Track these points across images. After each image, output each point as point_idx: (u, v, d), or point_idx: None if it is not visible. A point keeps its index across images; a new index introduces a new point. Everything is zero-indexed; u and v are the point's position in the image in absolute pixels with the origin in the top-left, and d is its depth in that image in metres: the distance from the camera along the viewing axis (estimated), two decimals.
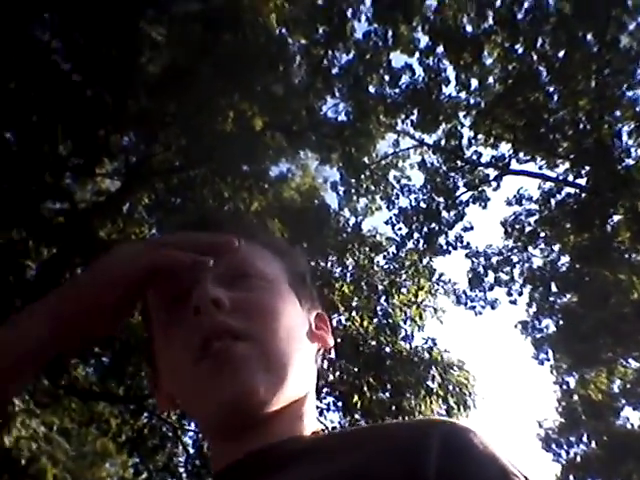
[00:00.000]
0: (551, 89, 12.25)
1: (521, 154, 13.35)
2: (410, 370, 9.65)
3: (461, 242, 13.21)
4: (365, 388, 9.33)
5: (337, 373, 9.63)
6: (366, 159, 10.76)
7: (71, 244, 6.92)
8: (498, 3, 10.85)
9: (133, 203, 7.51)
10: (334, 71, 9.49)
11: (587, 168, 12.97)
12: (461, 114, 12.11)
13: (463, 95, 11.92)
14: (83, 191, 7.75)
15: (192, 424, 8.49)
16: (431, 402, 9.43)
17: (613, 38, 10.86)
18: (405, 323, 10.44)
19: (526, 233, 14.36)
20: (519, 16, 11.14)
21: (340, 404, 9.67)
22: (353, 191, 11.78)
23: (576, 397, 17.37)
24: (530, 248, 14.61)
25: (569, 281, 14.34)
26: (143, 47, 6.91)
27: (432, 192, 12.64)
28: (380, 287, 10.44)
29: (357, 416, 9.62)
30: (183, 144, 7.62)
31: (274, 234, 7.37)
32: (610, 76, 11.56)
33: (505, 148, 13.15)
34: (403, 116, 11.36)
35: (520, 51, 11.64)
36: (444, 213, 12.66)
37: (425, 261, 11.44)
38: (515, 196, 14.26)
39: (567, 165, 13.32)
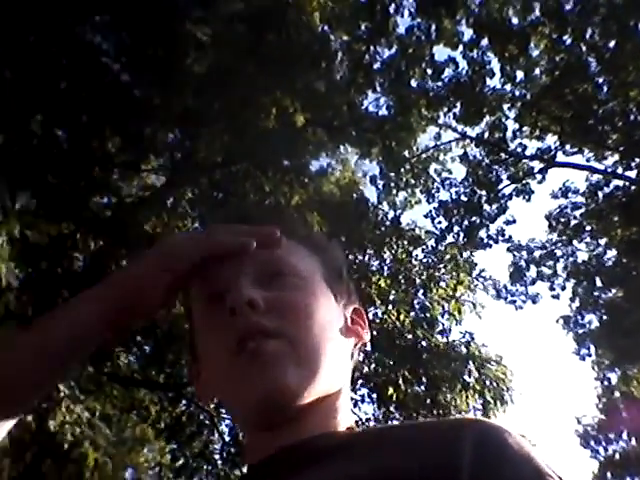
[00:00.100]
0: (600, 80, 12.24)
1: (568, 146, 13.37)
2: (447, 364, 9.72)
3: (503, 236, 13.36)
4: (400, 381, 9.43)
5: (372, 365, 9.82)
6: (406, 153, 10.97)
7: (117, 237, 7.38)
8: None
9: (177, 197, 7.92)
10: (376, 66, 9.78)
11: (637, 160, 13.01)
12: (506, 106, 12.18)
13: (508, 87, 12.00)
14: (130, 186, 8.20)
15: None
16: (467, 397, 9.53)
17: None
18: (443, 317, 10.59)
19: (571, 227, 14.40)
20: (567, 7, 11.24)
21: (375, 396, 9.81)
22: (392, 185, 11.98)
23: (617, 394, 17.39)
24: (575, 242, 14.66)
25: (615, 275, 14.29)
26: (189, 47, 7.31)
27: (474, 185, 12.77)
28: (418, 281, 10.63)
29: (392, 409, 9.80)
30: (226, 140, 8.00)
31: (313, 228, 7.79)
32: None
33: (551, 140, 13.22)
34: (445, 109, 11.51)
35: (568, 42, 11.66)
36: (486, 206, 12.77)
37: (465, 255, 11.62)
38: (561, 189, 14.36)
39: (616, 157, 13.32)
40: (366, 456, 0.81)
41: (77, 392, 7.19)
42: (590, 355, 16.15)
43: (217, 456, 9.62)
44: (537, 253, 14.56)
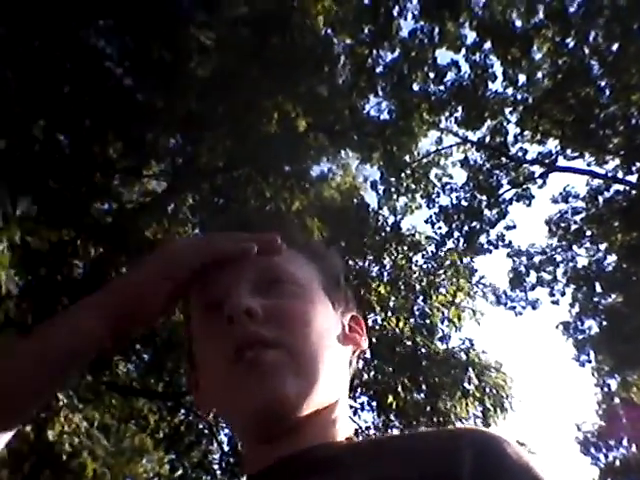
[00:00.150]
0: (602, 83, 12.33)
1: (569, 150, 13.46)
2: (446, 371, 9.76)
3: (503, 241, 13.46)
4: (400, 388, 9.44)
5: (372, 373, 9.85)
6: (407, 157, 11.06)
7: (118, 243, 7.41)
8: None
9: (178, 203, 7.95)
10: (378, 70, 9.85)
11: (638, 165, 13.10)
12: (507, 110, 12.28)
13: (510, 91, 12.11)
14: (131, 192, 8.23)
15: None
16: (467, 404, 9.49)
17: None
18: (443, 323, 10.64)
19: (571, 231, 14.51)
20: (571, 10, 11.32)
21: (374, 404, 9.79)
22: (393, 190, 12.07)
23: (617, 400, 17.50)
24: (575, 247, 14.78)
25: (615, 281, 14.38)
26: (192, 51, 7.36)
27: (474, 190, 12.86)
28: (418, 287, 10.66)
29: (391, 416, 9.84)
30: (228, 145, 8.05)
31: (313, 234, 7.85)
32: None
33: (552, 144, 13.33)
34: (447, 113, 11.62)
35: (571, 45, 11.74)
36: (486, 211, 12.88)
37: (465, 261, 11.68)
38: (561, 194, 14.49)
39: (617, 162, 13.43)
40: (365, 466, 0.82)
41: (76, 401, 7.21)
42: (590, 361, 16.33)
43: (216, 466, 9.64)
44: (537, 258, 14.70)
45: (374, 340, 9.46)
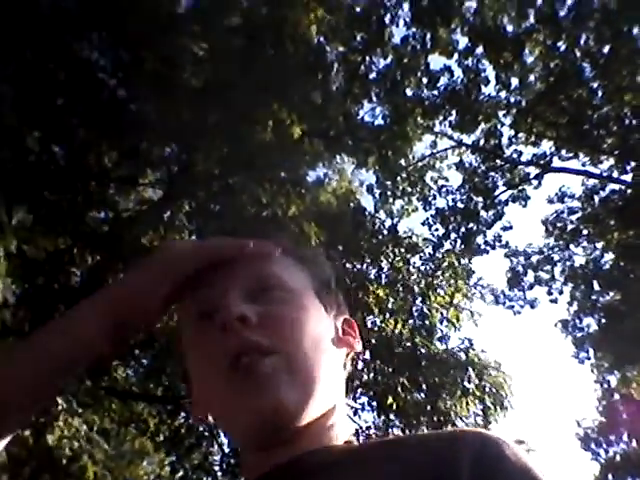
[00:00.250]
0: (595, 85, 12.29)
1: (563, 151, 13.45)
2: (446, 371, 9.75)
3: (500, 241, 13.45)
4: (400, 389, 9.42)
5: (372, 374, 9.81)
6: (403, 161, 11.02)
7: (114, 251, 7.37)
8: (539, 1, 10.97)
9: (174, 211, 7.90)
10: (371, 76, 9.81)
11: (633, 164, 13.03)
12: (501, 113, 12.26)
13: (503, 94, 12.07)
14: (126, 200, 8.21)
15: None
16: (467, 403, 9.49)
17: None
18: (442, 324, 10.59)
19: (568, 231, 14.47)
20: (561, 14, 11.26)
21: (374, 404, 9.86)
22: (389, 193, 12.05)
23: (617, 396, 17.44)
24: (572, 246, 14.73)
25: (612, 279, 14.35)
26: (186, 62, 7.32)
27: (470, 192, 12.84)
28: (416, 288, 10.61)
29: (391, 416, 9.80)
30: (223, 153, 8.00)
31: (310, 239, 7.79)
32: None
33: (547, 146, 13.31)
34: (441, 117, 11.58)
35: (563, 48, 11.71)
36: (482, 213, 12.87)
37: (463, 262, 11.62)
38: (557, 194, 14.44)
39: (612, 161, 13.39)
40: (364, 471, 0.81)
41: (75, 405, 7.16)
42: (589, 358, 16.26)
43: (217, 467, 9.61)
44: (534, 258, 14.64)
45: (373, 342, 9.43)
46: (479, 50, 10.85)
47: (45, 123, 6.75)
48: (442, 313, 10.59)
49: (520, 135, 12.86)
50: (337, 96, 9.08)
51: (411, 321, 10.35)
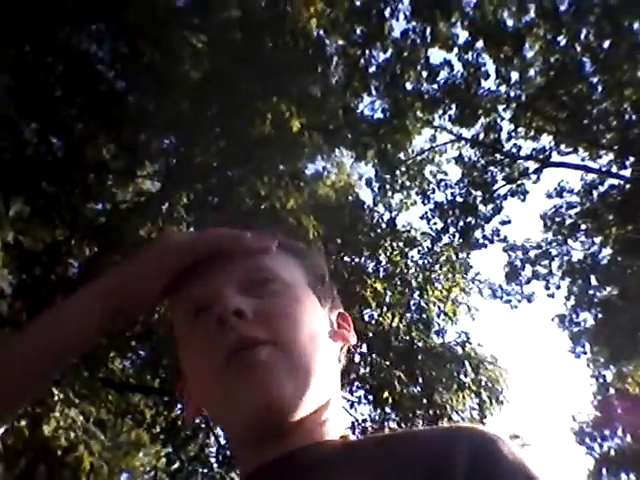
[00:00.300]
0: (595, 80, 12.28)
1: (562, 146, 13.44)
2: (442, 365, 9.76)
3: (498, 236, 13.47)
4: (396, 382, 9.42)
5: (368, 367, 9.81)
6: (402, 155, 11.00)
7: (112, 243, 7.36)
8: None
9: (172, 203, 7.89)
10: (371, 70, 9.77)
11: (632, 159, 13.01)
12: (500, 107, 12.25)
13: (503, 89, 12.05)
14: (124, 192, 8.20)
15: None
16: (463, 397, 9.48)
17: None
18: (439, 317, 10.59)
19: (566, 226, 14.48)
20: (562, 8, 11.23)
21: (370, 397, 9.84)
22: (388, 187, 12.05)
23: (612, 391, 17.47)
24: (570, 241, 14.75)
25: (610, 274, 14.38)
26: (184, 54, 7.29)
27: (469, 186, 12.83)
28: (414, 282, 10.59)
29: (388, 409, 9.80)
30: (222, 146, 7.98)
31: (308, 232, 7.78)
32: None
33: (546, 140, 13.30)
34: (441, 111, 11.56)
35: (563, 43, 11.70)
36: (481, 207, 12.88)
37: (461, 256, 11.60)
38: (556, 188, 14.44)
39: (611, 156, 13.38)
40: (359, 467, 0.80)
41: (72, 396, 7.15)
42: (585, 353, 16.36)
43: (213, 459, 9.55)
44: (532, 253, 14.67)
45: (370, 335, 9.42)
46: (479, 44, 10.83)
47: (43, 114, 6.74)
48: (439, 307, 10.58)
49: (520, 129, 12.85)
50: (337, 89, 9.04)
51: (408, 315, 10.34)
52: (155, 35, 6.92)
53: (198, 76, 7.52)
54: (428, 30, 9.89)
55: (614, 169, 13.46)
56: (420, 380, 9.76)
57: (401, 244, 10.65)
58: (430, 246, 11.48)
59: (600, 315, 15.21)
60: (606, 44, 11.50)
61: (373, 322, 9.87)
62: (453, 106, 11.56)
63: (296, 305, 0.91)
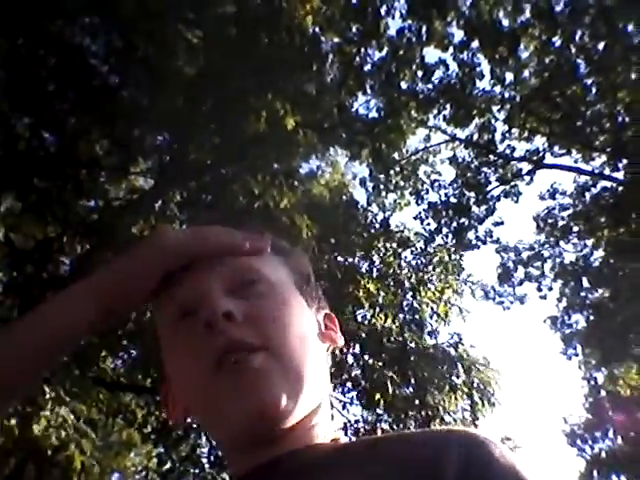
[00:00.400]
0: (589, 82, 12.31)
1: (556, 148, 13.49)
2: (435, 366, 9.75)
3: (491, 237, 13.47)
4: (389, 383, 9.41)
5: (361, 368, 9.78)
6: (396, 155, 10.98)
7: (104, 240, 7.29)
8: None
9: (165, 200, 7.83)
10: (366, 68, 9.73)
11: (624, 161, 13.04)
12: (495, 108, 12.25)
13: (497, 89, 12.06)
14: (117, 189, 8.14)
15: None
16: (455, 398, 9.48)
17: None
18: (431, 318, 10.58)
19: (559, 227, 14.51)
20: (557, 9, 11.24)
21: (363, 398, 9.90)
22: (382, 187, 12.05)
23: (604, 393, 17.55)
24: (562, 243, 14.80)
25: (602, 276, 14.43)
26: (179, 49, 7.23)
27: (463, 187, 12.85)
28: (407, 283, 10.58)
29: (380, 410, 9.78)
30: (216, 143, 7.93)
31: (301, 231, 7.74)
32: None
33: (540, 142, 13.34)
34: (435, 111, 11.56)
35: (558, 44, 11.72)
36: (474, 208, 12.88)
37: (454, 257, 11.60)
38: (549, 190, 14.47)
39: (604, 158, 13.42)
40: (346, 472, 0.79)
41: (62, 395, 7.08)
42: (577, 355, 16.41)
43: (204, 459, 9.53)
44: (525, 254, 14.69)
45: (363, 335, 9.40)
46: (474, 44, 10.81)
47: (35, 109, 6.66)
48: (432, 308, 10.58)
49: (513, 130, 12.86)
50: (332, 87, 9.00)
51: (401, 315, 10.34)
52: (149, 29, 6.86)
53: (193, 71, 7.46)
54: (424, 29, 9.87)
55: (607, 171, 13.54)
56: (412, 381, 9.76)
57: (394, 244, 10.65)
58: (423, 247, 11.51)
59: (592, 317, 15.26)
60: (601, 46, 11.52)
61: (366, 323, 9.85)
62: (448, 106, 11.56)
63: (284, 308, 0.89)
